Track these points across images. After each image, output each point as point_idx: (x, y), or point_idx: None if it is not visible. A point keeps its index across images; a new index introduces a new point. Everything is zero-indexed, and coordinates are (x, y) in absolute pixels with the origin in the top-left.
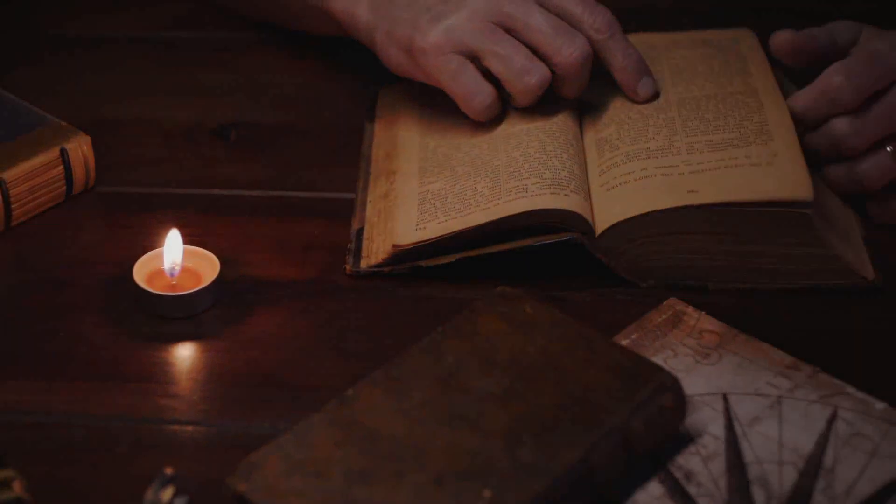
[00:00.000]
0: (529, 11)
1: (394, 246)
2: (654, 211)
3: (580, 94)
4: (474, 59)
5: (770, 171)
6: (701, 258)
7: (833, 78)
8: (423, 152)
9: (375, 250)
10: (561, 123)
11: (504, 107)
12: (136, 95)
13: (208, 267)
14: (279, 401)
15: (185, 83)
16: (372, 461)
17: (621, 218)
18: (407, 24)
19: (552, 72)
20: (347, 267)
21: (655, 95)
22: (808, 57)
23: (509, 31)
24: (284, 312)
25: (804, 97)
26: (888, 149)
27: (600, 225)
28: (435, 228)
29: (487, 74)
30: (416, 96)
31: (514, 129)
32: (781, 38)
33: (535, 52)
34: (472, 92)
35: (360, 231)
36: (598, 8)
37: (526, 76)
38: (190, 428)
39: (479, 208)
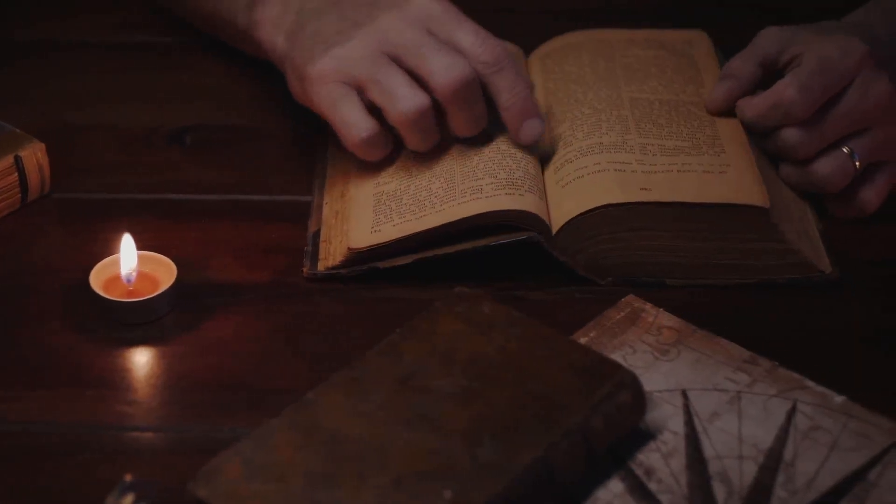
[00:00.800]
0: (417, 41)
1: (349, 249)
2: (608, 206)
3: (474, 130)
4: (360, 89)
5: (723, 179)
6: (658, 254)
7: (786, 91)
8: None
9: (332, 252)
10: None
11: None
12: (92, 101)
13: (165, 272)
14: (239, 405)
15: (140, 88)
16: (333, 464)
17: (576, 213)
18: (304, 53)
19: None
20: (305, 269)
21: (538, 138)
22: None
23: (397, 61)
24: (243, 316)
25: (756, 107)
26: (844, 150)
27: (557, 222)
28: (390, 231)
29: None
30: None
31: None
32: (717, 101)
33: (419, 81)
34: (348, 123)
35: (317, 233)
36: (490, 41)
37: (399, 103)
38: (150, 434)
39: (434, 210)
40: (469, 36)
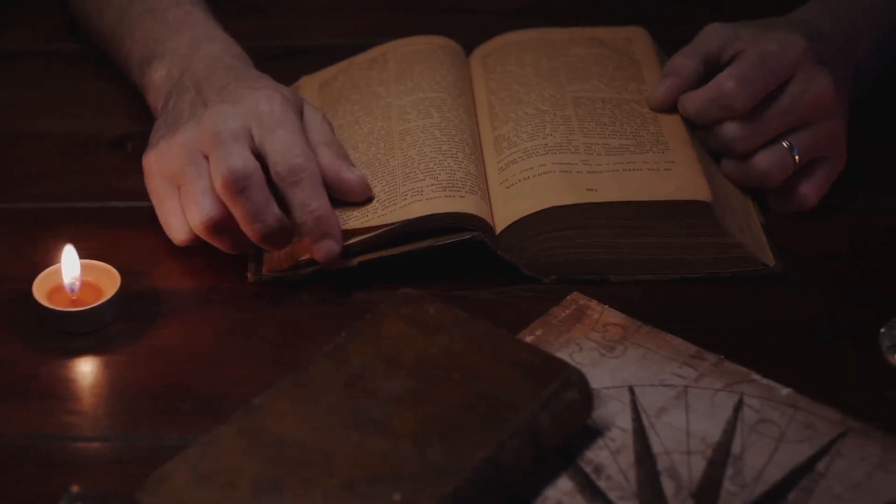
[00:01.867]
0: (219, 134)
1: (295, 260)
2: (554, 207)
3: (267, 237)
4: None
5: (668, 176)
6: (602, 251)
7: (725, 84)
8: None
9: (278, 257)
10: (457, 122)
11: (396, 102)
12: (31, 110)
13: (109, 280)
14: (186, 412)
15: (79, 96)
16: (281, 469)
17: (522, 215)
18: (151, 136)
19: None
20: (249, 274)
21: (334, 257)
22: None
23: (207, 159)
24: (188, 322)
25: (696, 101)
26: (784, 144)
27: (501, 223)
28: None
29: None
30: (314, 97)
31: (410, 126)
32: (660, 98)
33: None
34: (170, 225)
35: None
36: (292, 151)
37: (190, 213)
38: (97, 443)
39: (377, 215)
40: (276, 144)
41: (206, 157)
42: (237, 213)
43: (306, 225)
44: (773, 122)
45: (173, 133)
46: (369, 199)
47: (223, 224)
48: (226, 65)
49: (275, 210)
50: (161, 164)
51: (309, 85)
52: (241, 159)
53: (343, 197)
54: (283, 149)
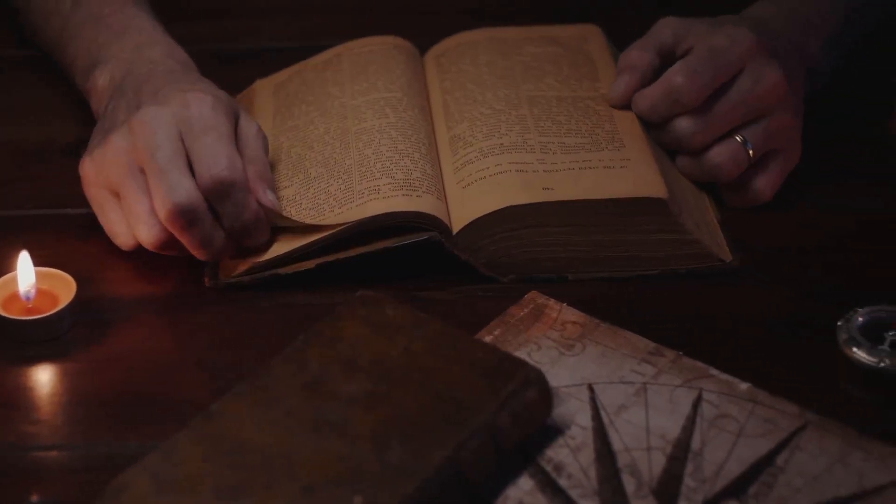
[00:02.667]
0: (152, 148)
1: (252, 261)
2: (511, 206)
3: (205, 253)
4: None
5: (623, 174)
6: (559, 250)
7: (674, 78)
8: (277, 154)
9: (235, 261)
10: (412, 121)
11: (351, 102)
12: None
13: (65, 288)
14: (146, 419)
15: (30, 103)
16: (241, 475)
17: (478, 214)
18: (89, 144)
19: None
20: (206, 279)
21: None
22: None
23: (143, 172)
24: (146, 329)
25: (648, 97)
26: (738, 138)
27: (458, 223)
28: (291, 240)
29: None
30: (268, 100)
31: (366, 126)
32: (619, 94)
33: None
34: (114, 233)
35: None
36: (218, 163)
37: (139, 229)
38: (55, 452)
39: (334, 213)
40: (202, 153)
41: (143, 171)
42: (184, 240)
43: (235, 231)
44: (725, 116)
45: (106, 139)
46: (328, 196)
47: (171, 242)
48: (166, 69)
49: (221, 234)
50: (98, 172)
51: (263, 88)
52: (185, 192)
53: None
54: (209, 159)
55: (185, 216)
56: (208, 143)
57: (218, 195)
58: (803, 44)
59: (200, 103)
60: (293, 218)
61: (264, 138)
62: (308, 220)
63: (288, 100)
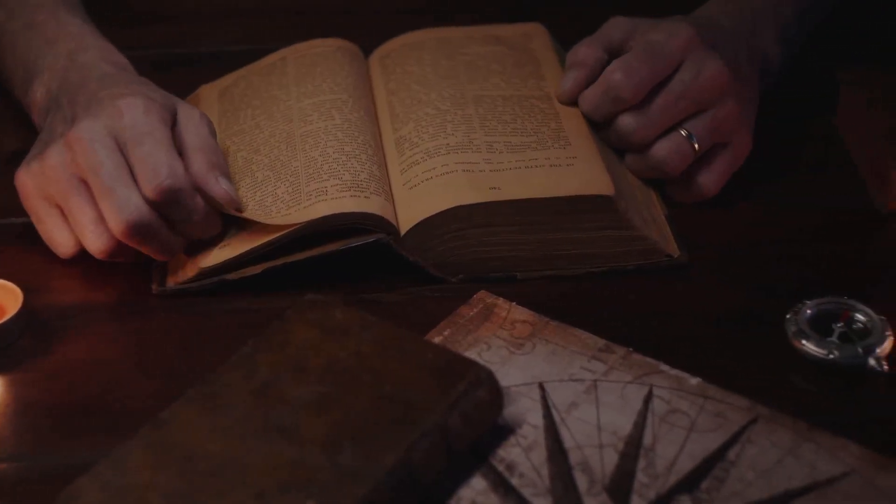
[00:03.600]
0: (95, 165)
1: (199, 268)
2: (458, 206)
3: (166, 256)
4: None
5: (570, 172)
6: (507, 249)
7: (613, 76)
8: (224, 157)
9: (182, 267)
10: (358, 123)
11: (296, 104)
12: None
13: (11, 299)
14: (95, 429)
15: None
16: (191, 482)
17: (426, 215)
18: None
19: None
20: (154, 286)
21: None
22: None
23: (85, 184)
24: (94, 337)
25: (589, 97)
26: (682, 132)
27: (405, 224)
28: (238, 244)
29: None
30: (214, 105)
31: (312, 128)
32: (568, 91)
33: None
34: (54, 241)
35: None
36: (158, 172)
37: (87, 241)
38: (4, 464)
39: (281, 215)
40: (141, 163)
41: (85, 181)
42: (144, 251)
43: (187, 232)
44: (667, 110)
45: (43, 154)
46: (275, 198)
47: (119, 250)
48: (100, 74)
49: (177, 239)
50: (36, 185)
51: (208, 94)
52: (135, 208)
53: (210, 205)
54: (150, 170)
55: (139, 232)
56: (146, 151)
57: (165, 203)
58: (755, 38)
59: (132, 110)
60: (245, 214)
61: (209, 123)
62: (257, 227)
63: (233, 104)
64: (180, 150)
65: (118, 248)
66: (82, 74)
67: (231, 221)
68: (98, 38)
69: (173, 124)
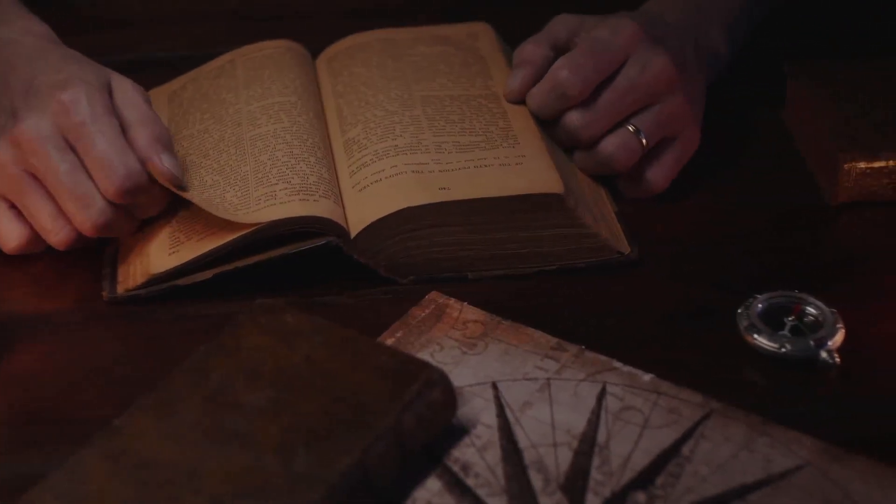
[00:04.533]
0: (51, 167)
1: (149, 274)
2: (408, 208)
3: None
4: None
5: (519, 171)
6: (458, 249)
7: (559, 73)
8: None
9: (132, 274)
10: (307, 126)
11: (245, 108)
12: None
13: None
14: (49, 438)
15: None
16: (146, 490)
17: (376, 217)
18: None
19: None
20: (104, 294)
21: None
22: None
23: (41, 181)
24: (46, 346)
25: (537, 95)
26: (630, 128)
27: (356, 226)
28: (188, 250)
29: None
30: (163, 110)
31: (261, 131)
32: (515, 89)
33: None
34: (4, 237)
35: (115, 255)
36: (114, 171)
37: (48, 236)
38: None
39: (228, 214)
40: (96, 163)
41: (34, 174)
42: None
43: (139, 215)
44: (614, 106)
45: None
46: (223, 202)
47: (80, 240)
48: (28, 48)
49: (136, 222)
50: None
51: (157, 97)
52: (101, 212)
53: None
54: (106, 171)
55: (105, 230)
56: (100, 151)
57: (125, 199)
58: (702, 32)
59: (76, 104)
60: (190, 195)
61: (142, 92)
62: (205, 232)
63: (182, 108)
64: (121, 125)
65: (79, 240)
66: (9, 51)
67: (182, 224)
68: (19, 8)
69: (111, 96)
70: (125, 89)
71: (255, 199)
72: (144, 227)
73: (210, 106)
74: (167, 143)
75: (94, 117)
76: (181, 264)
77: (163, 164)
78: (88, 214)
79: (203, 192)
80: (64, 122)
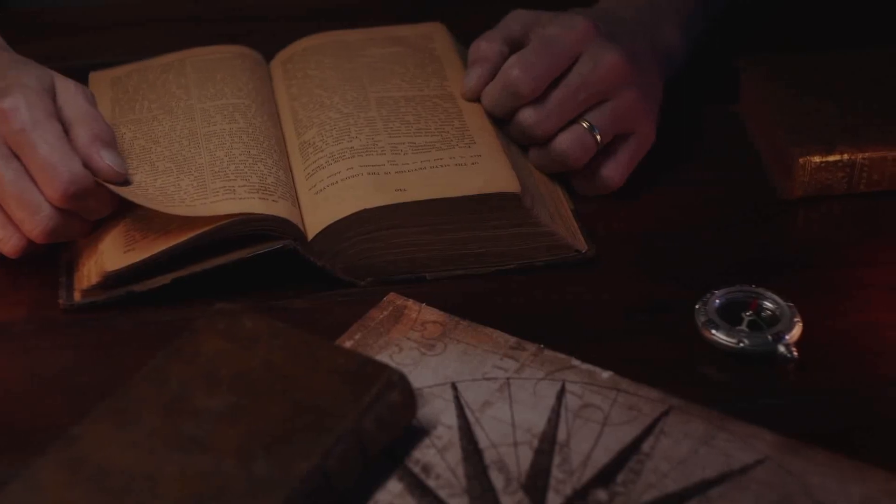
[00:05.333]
0: (3, 186)
1: (104, 271)
2: (364, 210)
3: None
4: None
5: (475, 170)
6: (415, 250)
7: (510, 72)
8: (120, 143)
9: (87, 274)
10: (263, 128)
11: (198, 105)
12: None
13: None
14: (6, 448)
15: None
16: (105, 498)
17: (333, 220)
18: None
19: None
20: (61, 301)
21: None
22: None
23: None
24: (1, 356)
25: (490, 94)
26: (584, 124)
27: (312, 229)
28: (143, 249)
29: None
30: (106, 93)
31: (216, 129)
32: (473, 88)
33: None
34: None
35: (70, 263)
36: (58, 177)
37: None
38: None
39: (185, 205)
40: (40, 172)
41: None
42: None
43: (89, 217)
44: (566, 102)
45: None
46: (178, 189)
47: (33, 248)
48: None
49: (87, 223)
50: None
51: (99, 80)
52: (48, 219)
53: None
54: (50, 177)
55: (55, 235)
56: (43, 158)
57: (71, 203)
58: (657, 29)
59: (16, 112)
60: (131, 192)
61: (84, 91)
62: (159, 230)
63: (127, 94)
64: (64, 126)
65: (31, 246)
66: None
67: (137, 223)
68: None
69: (54, 99)
70: (67, 90)
71: (212, 191)
72: (99, 227)
73: (158, 97)
74: (108, 141)
75: (35, 123)
76: (136, 262)
77: (103, 161)
78: (37, 221)
79: (156, 178)
80: (5, 129)
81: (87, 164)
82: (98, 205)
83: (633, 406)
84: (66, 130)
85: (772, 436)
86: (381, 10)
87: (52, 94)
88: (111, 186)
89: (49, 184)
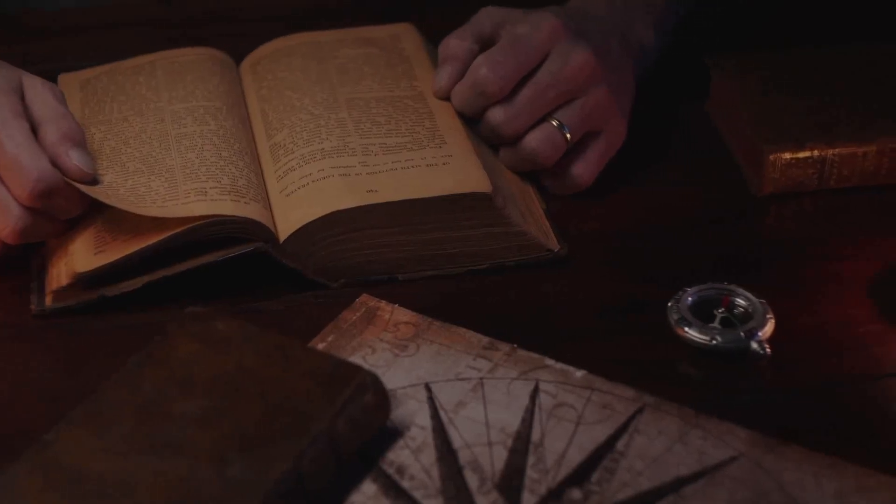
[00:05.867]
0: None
1: (75, 273)
2: (336, 211)
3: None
4: None
5: (446, 171)
6: (387, 251)
7: (478, 71)
8: (90, 144)
9: (57, 275)
10: (234, 130)
11: (169, 107)
12: None
13: None
14: None
15: None
16: (80, 503)
17: (305, 221)
18: None
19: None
20: (32, 307)
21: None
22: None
23: None
24: None
25: (459, 93)
26: (554, 122)
27: (284, 231)
28: (114, 250)
29: None
30: (75, 94)
31: (187, 131)
32: (443, 87)
33: None
34: None
35: (41, 268)
36: (26, 174)
37: None
38: None
39: (156, 206)
40: (7, 169)
41: None
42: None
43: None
44: (535, 101)
45: None
46: (149, 189)
47: (4, 247)
48: None
49: (60, 223)
50: None
51: (69, 83)
52: (18, 219)
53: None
54: (18, 175)
55: (26, 235)
56: (9, 156)
57: (40, 202)
58: (628, 26)
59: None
60: (102, 192)
61: (52, 89)
62: (127, 207)
63: (97, 96)
64: (32, 126)
65: (3, 249)
66: None
67: (108, 224)
68: None
69: (22, 98)
70: (35, 88)
71: (183, 192)
72: (70, 228)
73: (128, 99)
74: (77, 140)
75: (2, 122)
76: (107, 263)
77: (71, 160)
78: (6, 221)
79: (126, 178)
80: None
81: (55, 163)
82: (68, 204)
83: (606, 405)
84: (35, 129)
85: (746, 432)
86: (346, 12)
87: (20, 94)
88: (80, 186)
89: (17, 182)
